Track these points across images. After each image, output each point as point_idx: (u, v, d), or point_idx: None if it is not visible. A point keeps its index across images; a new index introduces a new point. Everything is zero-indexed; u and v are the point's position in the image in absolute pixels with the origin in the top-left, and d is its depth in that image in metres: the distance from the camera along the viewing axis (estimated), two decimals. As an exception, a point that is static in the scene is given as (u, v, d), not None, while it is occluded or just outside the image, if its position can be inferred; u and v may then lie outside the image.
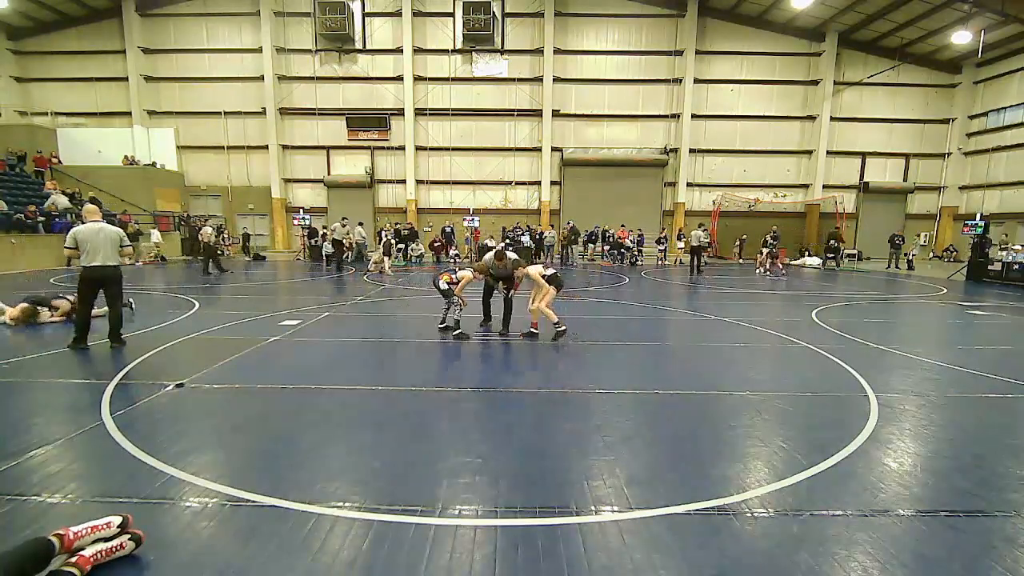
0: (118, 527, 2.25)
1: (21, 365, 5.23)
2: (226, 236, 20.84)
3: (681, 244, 21.34)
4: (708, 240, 18.19)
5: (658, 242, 21.08)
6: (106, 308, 6.04)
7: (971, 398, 4.59)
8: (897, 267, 19.63)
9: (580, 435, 3.62)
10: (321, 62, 23.91)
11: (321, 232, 20.58)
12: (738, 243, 23.11)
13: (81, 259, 5.76)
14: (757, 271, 17.23)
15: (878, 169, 24.63)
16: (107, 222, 6.24)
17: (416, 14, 23.23)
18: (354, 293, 11.00)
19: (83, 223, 5.93)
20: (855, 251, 22.88)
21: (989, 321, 8.90)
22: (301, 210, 22.49)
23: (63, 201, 17.37)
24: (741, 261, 22.36)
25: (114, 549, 2.19)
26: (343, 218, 16.73)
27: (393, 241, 18.27)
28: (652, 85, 23.81)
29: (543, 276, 6.47)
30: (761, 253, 17.61)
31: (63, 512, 2.56)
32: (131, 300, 7.95)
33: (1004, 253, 15.58)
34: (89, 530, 2.18)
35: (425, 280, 13.27)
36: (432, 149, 24.34)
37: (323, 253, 17.91)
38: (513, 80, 23.78)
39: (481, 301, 7.33)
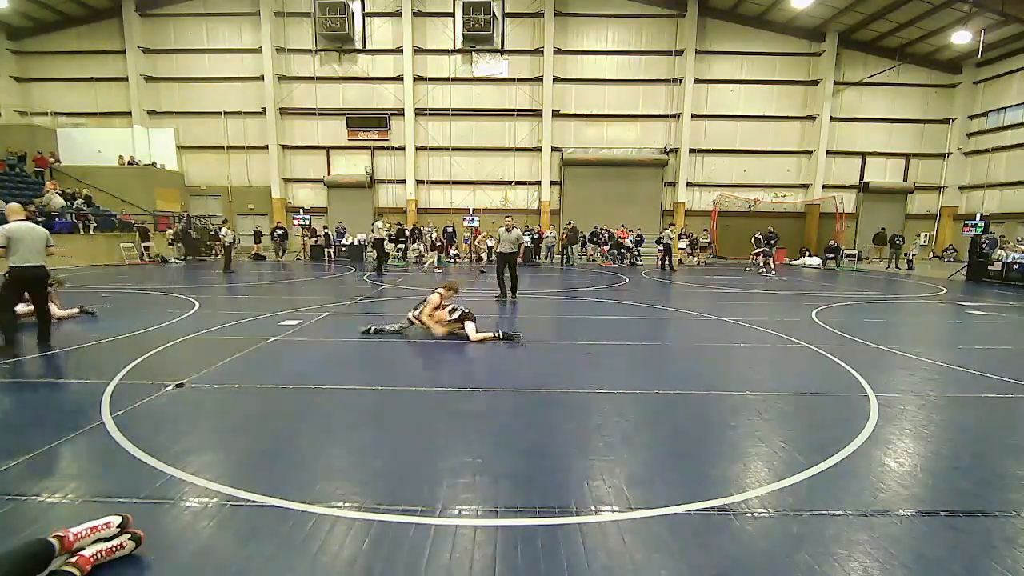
0: (118, 527, 2.25)
1: (21, 365, 5.22)
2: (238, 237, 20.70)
3: (683, 245, 21.35)
4: (670, 240, 18.49)
5: (658, 242, 21.00)
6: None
7: (971, 398, 4.59)
8: (897, 267, 19.64)
9: (580, 435, 3.61)
10: (321, 62, 23.90)
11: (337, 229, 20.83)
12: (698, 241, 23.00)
13: (12, 258, 5.33)
14: (761, 271, 17.73)
15: (878, 169, 24.61)
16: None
17: (416, 14, 23.21)
18: (354, 293, 11.01)
19: (7, 222, 5.45)
20: (855, 251, 22.85)
21: (989, 321, 8.90)
22: (301, 210, 22.51)
23: (59, 201, 17.32)
24: (697, 262, 22.24)
25: (114, 549, 2.19)
26: (377, 215, 16.64)
27: (430, 238, 19.10)
28: (652, 85, 23.78)
29: (453, 319, 6.55)
30: (757, 253, 17.90)
31: (63, 512, 2.56)
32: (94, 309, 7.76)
33: (1003, 252, 15.56)
34: (89, 530, 2.18)
35: (425, 281, 13.28)
36: (432, 149, 24.32)
37: (361, 253, 17.93)
38: (513, 80, 23.76)
39: (496, 278, 9.82)
